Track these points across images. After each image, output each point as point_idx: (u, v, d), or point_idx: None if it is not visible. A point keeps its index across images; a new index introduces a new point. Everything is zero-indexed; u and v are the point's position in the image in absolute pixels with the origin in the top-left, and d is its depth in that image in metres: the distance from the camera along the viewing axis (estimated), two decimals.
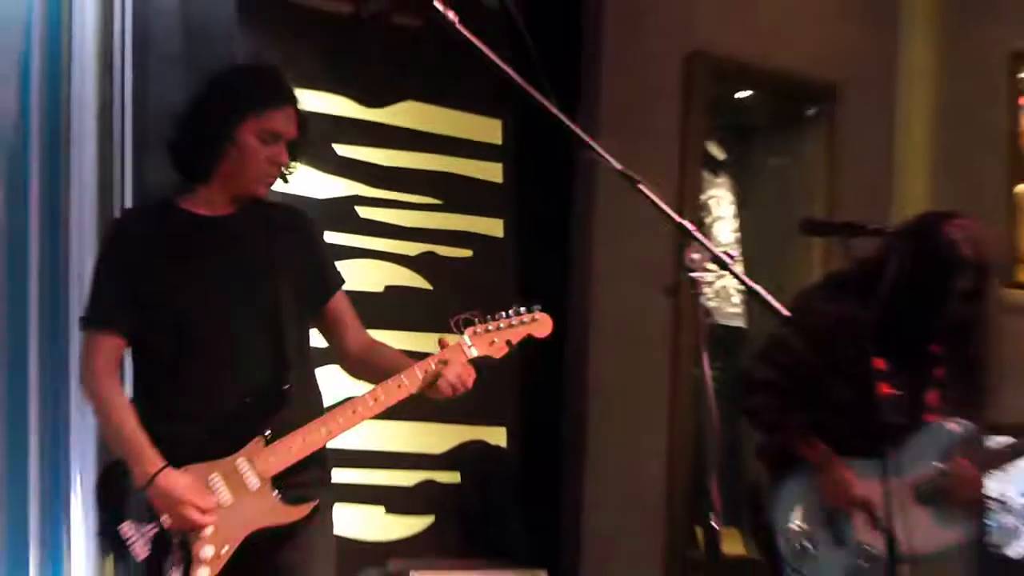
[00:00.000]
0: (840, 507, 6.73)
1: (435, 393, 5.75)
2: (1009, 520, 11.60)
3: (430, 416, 8.44)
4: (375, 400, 5.71)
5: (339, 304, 6.04)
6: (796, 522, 6.78)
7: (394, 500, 8.77)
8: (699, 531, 8.80)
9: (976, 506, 6.93)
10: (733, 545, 9.29)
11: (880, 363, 6.38)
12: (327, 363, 6.17)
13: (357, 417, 5.71)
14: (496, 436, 9.23)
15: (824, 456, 6.75)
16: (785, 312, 6.07)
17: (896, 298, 6.49)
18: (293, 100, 5.84)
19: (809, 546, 6.74)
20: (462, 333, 5.84)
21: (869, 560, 6.68)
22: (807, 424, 6.78)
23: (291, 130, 5.80)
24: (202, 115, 5.80)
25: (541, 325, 5.96)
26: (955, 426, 6.82)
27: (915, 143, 11.19)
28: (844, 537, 6.74)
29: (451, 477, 9.05)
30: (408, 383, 5.72)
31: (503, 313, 5.92)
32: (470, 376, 5.77)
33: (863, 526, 6.72)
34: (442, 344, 5.79)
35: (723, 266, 5.97)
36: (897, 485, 6.54)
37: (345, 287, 6.09)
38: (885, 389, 6.34)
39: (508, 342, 5.91)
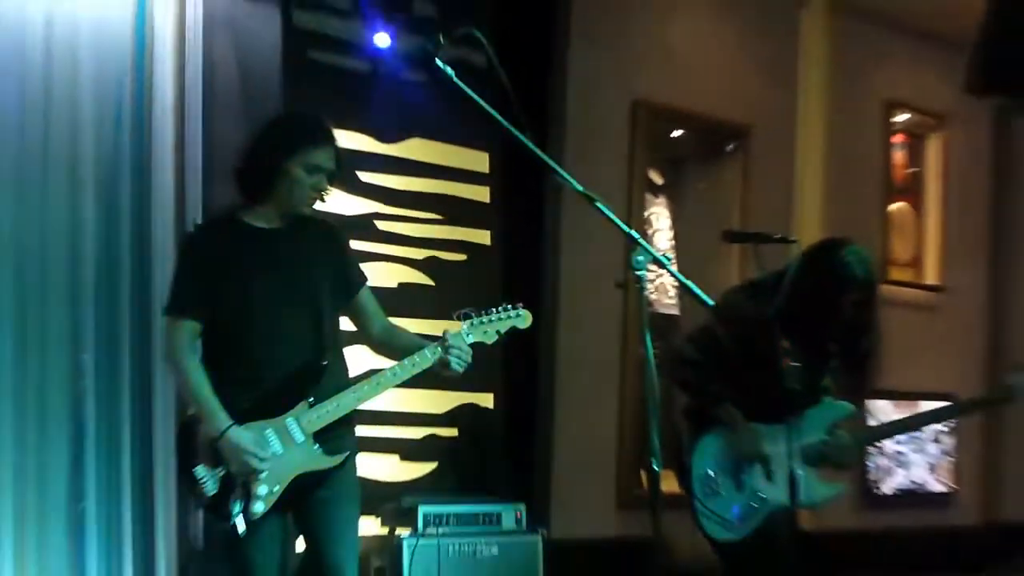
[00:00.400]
0: (743, 459, 6.78)
1: (446, 370, 5.86)
2: (883, 462, 11.68)
3: (434, 384, 8.38)
4: (394, 375, 5.82)
5: (364, 297, 6.07)
6: (708, 468, 6.83)
7: (406, 450, 8.81)
8: (643, 473, 8.84)
9: (852, 469, 6.97)
10: (670, 484, 9.32)
11: (785, 353, 6.44)
12: (353, 343, 6.21)
13: (380, 388, 5.83)
14: (485, 400, 9.23)
15: (734, 418, 6.80)
16: (710, 302, 6.18)
17: (800, 304, 6.56)
18: (333, 140, 5.89)
19: (716, 487, 6.81)
20: (462, 323, 5.95)
21: (759, 503, 6.74)
22: (723, 393, 6.83)
23: (331, 164, 5.85)
24: (263, 151, 5.86)
25: (524, 319, 6.05)
26: (843, 405, 6.88)
27: (810, 172, 11.22)
28: (743, 484, 6.78)
29: (450, 432, 9.07)
30: (420, 361, 5.82)
31: (494, 309, 6.01)
32: (469, 356, 5.87)
33: (759, 477, 6.77)
34: (445, 333, 5.88)
35: (662, 266, 6.04)
36: (791, 447, 6.64)
37: (367, 284, 6.15)
38: (785, 362, 6.38)
39: (497, 331, 6.01)
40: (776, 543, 6.78)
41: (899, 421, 7.27)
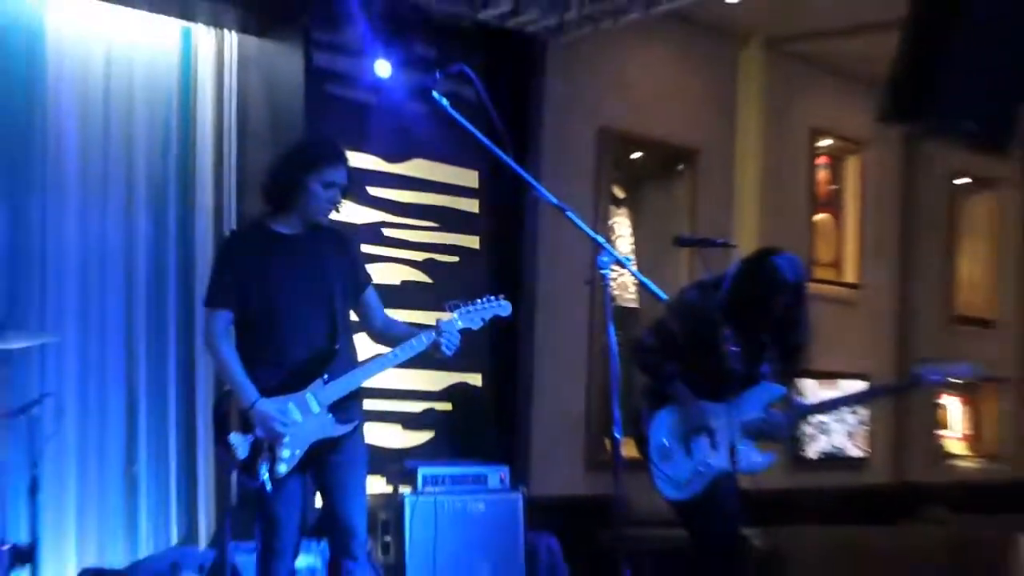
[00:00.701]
0: (692, 431, 6.78)
1: (439, 354, 5.86)
2: (808, 429, 11.68)
3: (431, 366, 8.44)
4: (395, 356, 5.85)
5: (369, 295, 6.05)
6: (663, 438, 6.83)
7: (407, 421, 8.78)
8: (607, 440, 8.83)
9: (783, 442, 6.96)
10: (630, 450, 9.30)
11: (727, 344, 6.44)
12: (358, 331, 6.19)
13: (383, 367, 5.87)
14: (475, 379, 9.21)
15: (684, 396, 6.80)
16: (663, 296, 6.17)
17: (739, 303, 6.57)
18: (345, 160, 5.88)
19: (670, 454, 6.80)
20: (453, 312, 5.96)
21: (705, 468, 6.74)
22: (675, 374, 6.83)
23: (343, 180, 5.85)
24: (286, 169, 5.86)
25: (505, 308, 6.07)
26: (777, 388, 6.88)
27: (747, 188, 11.20)
28: (692, 451, 6.78)
29: (445, 406, 9.04)
30: (416, 345, 5.83)
31: (479, 299, 6.02)
32: (457, 341, 5.88)
33: (705, 446, 6.77)
34: (438, 322, 5.88)
35: (623, 266, 6.03)
36: (733, 422, 6.65)
37: (374, 281, 6.13)
38: (726, 346, 6.38)
39: (482, 319, 6.02)
40: (719, 501, 6.78)
41: (823, 402, 7.27)
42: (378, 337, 6.09)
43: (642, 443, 6.90)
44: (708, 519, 6.76)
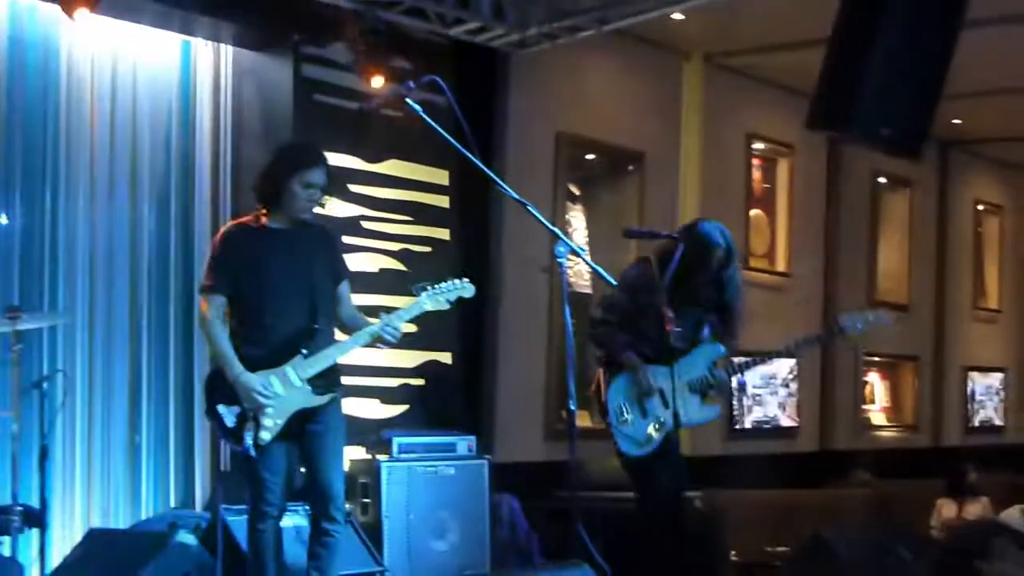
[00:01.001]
0: (644, 393, 6.76)
1: (382, 344, 5.90)
2: (745, 400, 11.67)
3: (406, 345, 8.40)
4: (355, 341, 5.89)
5: (343, 287, 6.04)
6: (620, 402, 6.81)
7: (384, 395, 8.73)
8: (564, 412, 8.80)
9: (724, 395, 6.97)
10: (584, 420, 9.30)
11: (669, 311, 6.41)
12: None
13: (349, 348, 5.89)
14: (445, 357, 9.14)
15: (635, 362, 6.80)
16: (613, 282, 6.16)
17: (678, 271, 6.55)
18: (323, 162, 5.88)
19: (627, 416, 6.79)
20: (419, 294, 5.92)
21: (659, 425, 6.73)
22: (626, 344, 6.82)
23: (321, 180, 5.83)
24: (270, 172, 5.88)
25: (467, 290, 6.04)
26: (717, 346, 6.87)
27: (689, 186, 11.19)
28: (648, 411, 6.77)
29: (418, 381, 9.00)
30: (368, 332, 5.85)
31: (444, 282, 5.99)
32: (400, 333, 5.87)
33: (658, 405, 6.75)
34: (382, 316, 5.89)
35: (578, 255, 6.05)
36: (679, 382, 6.63)
37: (353, 270, 6.15)
38: (668, 326, 6.34)
39: (447, 300, 5.99)
40: (671, 460, 6.78)
41: (760, 354, 7.21)
42: (341, 326, 6.05)
43: (603, 410, 6.90)
44: (661, 475, 6.75)
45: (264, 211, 5.89)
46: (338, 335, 6.01)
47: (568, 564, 5.43)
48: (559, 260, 5.61)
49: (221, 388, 5.72)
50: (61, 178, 7.58)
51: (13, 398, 6.45)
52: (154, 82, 8.05)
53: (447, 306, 6.01)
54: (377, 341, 5.85)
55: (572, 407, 5.57)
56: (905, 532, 7.69)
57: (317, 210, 5.96)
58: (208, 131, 8.27)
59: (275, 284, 5.78)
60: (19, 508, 6.33)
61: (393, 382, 8.81)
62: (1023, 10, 9.38)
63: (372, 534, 7.26)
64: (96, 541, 6.82)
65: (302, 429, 5.79)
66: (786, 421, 12.32)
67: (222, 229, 6.10)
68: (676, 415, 6.43)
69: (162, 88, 8.09)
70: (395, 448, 7.63)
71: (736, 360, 6.98)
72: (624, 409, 6.82)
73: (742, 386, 11.54)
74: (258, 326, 5.77)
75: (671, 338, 6.29)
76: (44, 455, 6.56)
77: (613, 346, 6.89)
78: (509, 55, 9.42)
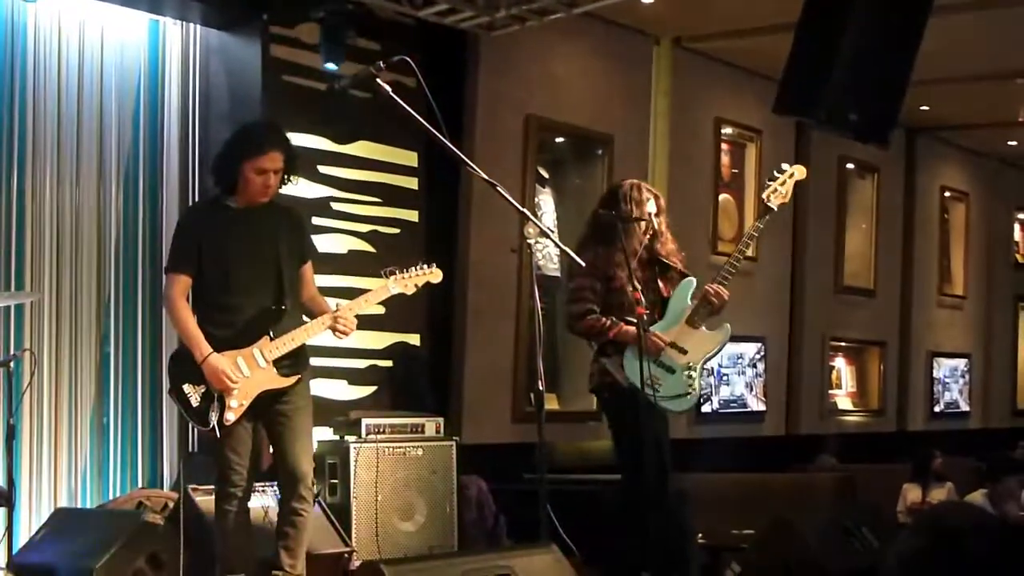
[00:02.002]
0: (659, 351, 6.61)
1: (336, 335, 5.89)
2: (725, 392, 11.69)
3: (375, 327, 8.43)
4: (315, 327, 5.85)
5: (307, 269, 6.03)
6: (642, 374, 6.44)
7: (352, 376, 8.74)
8: (532, 394, 8.83)
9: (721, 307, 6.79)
10: (552, 403, 9.34)
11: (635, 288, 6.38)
12: None
13: (317, 331, 5.86)
14: (414, 339, 9.13)
15: (635, 332, 6.55)
16: (581, 263, 6.17)
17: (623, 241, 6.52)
18: (280, 145, 5.82)
19: (659, 382, 6.55)
20: (388, 278, 5.92)
21: (689, 369, 6.55)
22: (615, 321, 6.67)
23: (277, 166, 5.77)
24: (224, 158, 5.86)
25: (435, 275, 6.05)
26: (688, 280, 6.73)
27: (659, 171, 11.21)
28: (670, 366, 6.61)
29: (386, 363, 8.99)
30: (322, 323, 5.85)
31: (412, 267, 5.99)
32: (353, 325, 5.87)
33: (676, 355, 6.60)
34: (336, 306, 5.90)
35: (547, 236, 6.05)
36: (678, 326, 6.56)
37: (322, 251, 6.15)
38: (638, 295, 6.27)
39: (415, 284, 6.00)
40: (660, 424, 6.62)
41: (731, 262, 7.06)
42: (301, 308, 6.03)
43: (633, 392, 6.62)
44: (657, 441, 6.58)
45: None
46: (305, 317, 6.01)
47: (537, 544, 5.45)
48: (528, 241, 5.63)
49: (186, 368, 5.70)
50: (28, 157, 7.55)
51: None
52: (122, 61, 8.03)
53: (414, 290, 6.02)
54: (333, 331, 5.85)
55: (540, 389, 5.60)
56: (871, 516, 7.74)
57: (285, 189, 5.93)
58: (176, 111, 8.26)
59: (239, 264, 5.77)
60: None
61: (361, 363, 8.82)
62: None
63: (340, 514, 7.27)
64: (63, 520, 6.81)
65: (270, 409, 5.79)
66: (753, 402, 12.38)
67: (185, 210, 6.12)
68: (688, 353, 6.39)
69: (130, 67, 8.08)
70: (363, 429, 7.63)
71: (716, 279, 6.81)
72: (651, 377, 6.65)
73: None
74: (223, 307, 5.77)
75: (644, 318, 6.24)
76: (11, 434, 6.54)
77: (599, 330, 6.71)
78: (478, 37, 9.41)
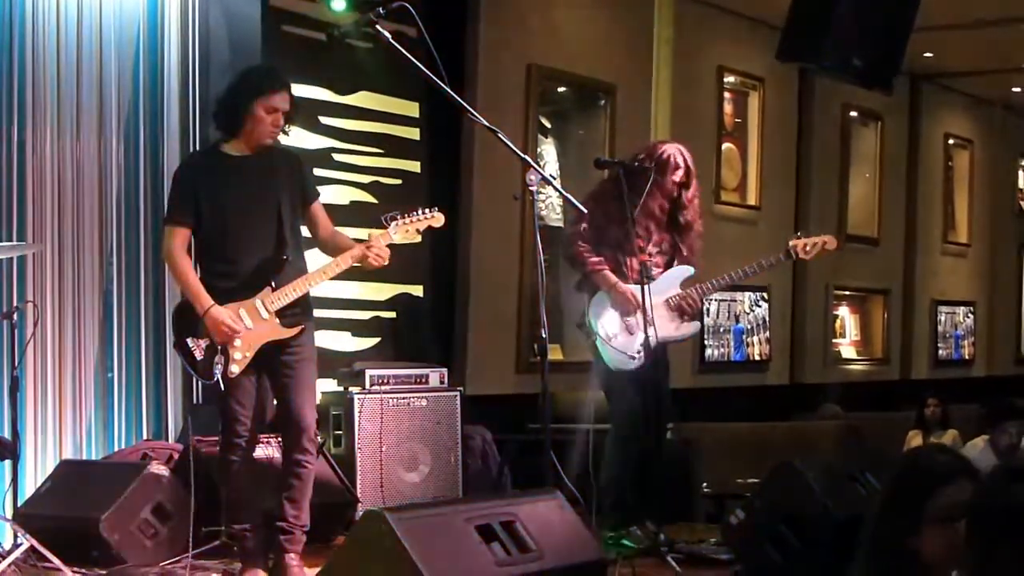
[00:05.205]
0: (624, 312, 6.72)
1: (368, 265, 5.78)
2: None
3: (378, 278, 8.42)
4: (337, 265, 5.77)
5: (316, 209, 5.95)
6: (604, 319, 6.71)
7: (356, 328, 8.77)
8: (535, 344, 8.84)
9: (697, 314, 6.96)
10: (555, 353, 9.34)
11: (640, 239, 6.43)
12: (311, 247, 6.11)
13: (325, 276, 5.79)
14: (417, 290, 9.19)
15: (614, 282, 6.68)
16: (584, 210, 6.16)
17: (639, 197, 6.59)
18: (287, 87, 5.77)
19: (614, 332, 6.71)
20: (389, 224, 5.86)
21: (645, 340, 6.63)
22: (602, 263, 6.73)
23: (285, 106, 5.72)
24: (232, 96, 5.77)
25: (437, 219, 5.95)
26: (685, 268, 6.85)
27: (661, 120, 11.14)
28: (631, 327, 6.70)
29: (390, 314, 9.04)
30: (352, 256, 5.73)
31: (414, 212, 5.92)
32: (387, 254, 5.77)
33: (640, 321, 6.64)
34: (371, 236, 5.79)
35: (549, 183, 6.04)
36: (657, 300, 6.59)
37: (324, 202, 6.06)
38: (644, 258, 6.35)
39: (417, 230, 5.91)
40: (659, 377, 6.74)
41: (725, 276, 7.17)
42: (323, 246, 6.00)
43: (587, 330, 6.79)
44: (654, 389, 6.67)
45: (226, 139, 5.82)
46: (321, 260, 5.96)
47: (541, 491, 5.44)
48: (531, 188, 5.61)
49: (189, 321, 5.67)
50: (28, 109, 7.48)
51: None
52: (121, 12, 7.95)
53: (418, 237, 5.93)
54: (366, 264, 5.77)
55: (544, 339, 5.59)
56: (875, 461, 7.73)
57: (281, 139, 5.87)
58: (176, 62, 8.18)
59: (238, 214, 5.72)
60: None
61: (364, 315, 8.83)
62: None
63: (345, 465, 7.28)
64: (69, 471, 6.84)
65: (273, 360, 5.75)
66: (757, 351, 12.40)
67: (184, 158, 6.09)
68: (655, 330, 6.39)
69: (129, 18, 7.99)
70: (367, 380, 7.63)
71: (704, 284, 6.93)
72: (610, 328, 6.74)
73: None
74: (223, 258, 5.72)
75: (647, 269, 6.30)
76: (15, 386, 6.54)
77: (588, 265, 6.81)
78: None
